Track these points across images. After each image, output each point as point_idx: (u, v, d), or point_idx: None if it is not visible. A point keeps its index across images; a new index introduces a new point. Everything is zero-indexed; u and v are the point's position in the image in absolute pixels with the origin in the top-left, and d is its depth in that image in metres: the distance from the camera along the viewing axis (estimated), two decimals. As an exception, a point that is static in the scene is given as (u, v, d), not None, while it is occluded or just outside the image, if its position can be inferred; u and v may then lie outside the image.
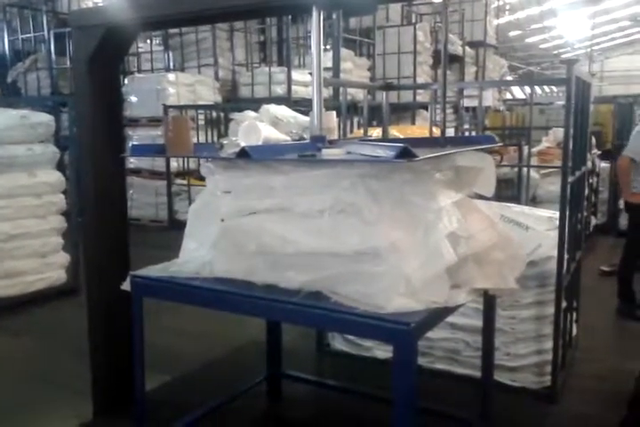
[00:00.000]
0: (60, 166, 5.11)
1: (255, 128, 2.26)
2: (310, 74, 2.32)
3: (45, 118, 4.91)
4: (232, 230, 2.13)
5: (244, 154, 1.96)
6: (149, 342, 2.34)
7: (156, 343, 2.39)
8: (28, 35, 10.11)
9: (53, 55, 9.26)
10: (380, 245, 1.86)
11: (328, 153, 2.07)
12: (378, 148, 1.90)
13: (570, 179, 3.02)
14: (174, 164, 8.00)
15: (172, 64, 10.22)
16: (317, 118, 2.28)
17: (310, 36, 2.37)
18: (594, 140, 6.69)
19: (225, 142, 2.48)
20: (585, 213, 5.70)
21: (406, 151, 1.72)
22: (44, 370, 3.51)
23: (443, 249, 1.89)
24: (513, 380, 3.13)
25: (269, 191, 2.06)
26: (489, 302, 2.51)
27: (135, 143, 7.32)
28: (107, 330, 2.88)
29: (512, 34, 23.37)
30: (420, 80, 10.33)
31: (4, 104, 5.38)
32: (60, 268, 5.07)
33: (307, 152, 2.09)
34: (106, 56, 2.61)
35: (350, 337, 3.54)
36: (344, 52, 9.66)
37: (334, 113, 2.58)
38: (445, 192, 2.05)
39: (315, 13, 2.23)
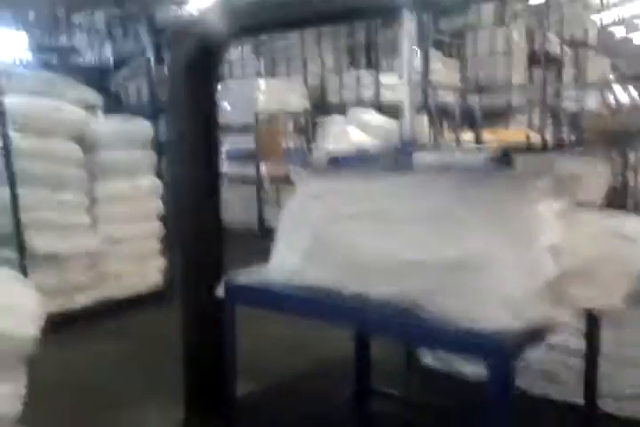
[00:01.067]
0: (158, 172, 5.29)
1: (345, 133, 2.23)
2: (400, 77, 2.27)
3: (144, 125, 5.12)
4: (323, 238, 2.11)
5: (334, 162, 1.93)
6: (239, 348, 2.35)
7: (246, 350, 2.40)
8: (129, 45, 10.61)
9: (152, 64, 9.66)
10: (476, 256, 1.78)
11: (421, 159, 2.01)
12: (474, 154, 1.83)
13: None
14: (264, 169, 8.12)
15: (262, 70, 10.43)
16: (409, 123, 2.23)
17: (399, 40, 2.33)
18: None
19: (314, 147, 2.48)
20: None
21: (505, 157, 1.64)
22: (140, 372, 3.61)
23: (543, 262, 1.78)
24: (619, 409, 2.90)
25: (360, 198, 2.03)
26: (592, 322, 2.35)
27: (229, 149, 7.47)
28: (199, 335, 2.93)
29: (617, 32, 22.17)
30: (514, 81, 9.98)
31: (107, 112, 5.64)
32: (158, 272, 5.20)
33: (398, 158, 2.04)
34: (202, 63, 2.67)
35: (441, 354, 3.43)
36: (433, 52, 9.51)
37: (424, 117, 2.52)
38: (547, 201, 1.94)
39: (405, 14, 2.18)
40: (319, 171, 2.18)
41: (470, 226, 1.82)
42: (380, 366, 3.26)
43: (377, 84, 9.14)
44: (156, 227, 5.18)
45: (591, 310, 2.14)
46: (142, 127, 5.08)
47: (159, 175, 5.27)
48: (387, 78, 9.23)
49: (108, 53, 10.85)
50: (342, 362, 3.24)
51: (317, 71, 10.19)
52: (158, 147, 5.34)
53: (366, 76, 9.37)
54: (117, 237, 4.87)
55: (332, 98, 9.82)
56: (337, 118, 7.58)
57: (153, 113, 5.69)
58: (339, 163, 1.93)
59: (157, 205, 5.16)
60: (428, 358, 3.54)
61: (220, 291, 2.30)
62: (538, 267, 1.78)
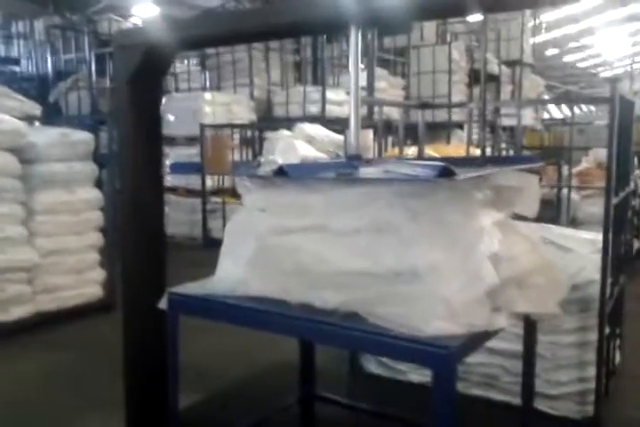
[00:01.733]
0: (98, 183, 5.20)
1: (292, 146, 2.26)
2: (347, 93, 2.32)
3: (85, 136, 5.01)
4: (268, 249, 2.12)
5: (281, 172, 1.95)
6: (182, 359, 2.33)
7: (189, 361, 2.38)
8: (70, 55, 10.40)
9: (94, 75, 9.51)
10: (419, 265, 1.82)
11: (366, 172, 2.05)
12: (416, 166, 1.88)
13: (614, 200, 2.94)
14: (209, 182, 8.07)
15: (208, 84, 10.40)
16: (354, 137, 2.27)
17: (345, 56, 2.37)
18: (636, 160, 6.53)
19: (262, 160, 2.49)
20: (628, 237, 5.54)
21: (447, 170, 1.69)
22: (78, 385, 3.53)
23: (484, 271, 1.84)
24: (553, 408, 3.02)
25: (306, 210, 2.04)
26: (530, 326, 2.43)
27: (173, 162, 7.41)
28: (141, 347, 2.88)
29: (549, 53, 23.18)
30: (455, 99, 10.29)
31: (45, 123, 5.51)
32: (97, 284, 5.12)
33: (344, 171, 2.07)
34: (146, 75, 2.65)
35: (384, 360, 3.48)
36: (379, 71, 9.71)
37: (370, 132, 2.57)
38: (486, 212, 2.01)
39: (352, 31, 2.23)
40: (266, 183, 2.19)
41: (413, 236, 1.86)
42: (325, 373, 3.27)
43: (323, 99, 9.25)
44: (97, 238, 5.09)
45: (528, 316, 2.21)
46: (83, 139, 4.97)
47: (100, 187, 5.17)
48: (333, 94, 9.36)
49: (48, 64, 10.61)
50: (287, 369, 3.24)
51: (264, 86, 10.24)
52: (99, 158, 5.24)
53: (313, 91, 9.48)
54: (55, 249, 4.76)
55: (279, 112, 9.88)
56: (284, 133, 7.63)
57: (94, 124, 5.58)
58: (285, 174, 1.93)
59: (97, 217, 5.06)
60: (372, 365, 3.58)
61: (163, 302, 2.27)
62: (479, 275, 1.83)
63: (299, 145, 2.29)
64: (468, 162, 2.54)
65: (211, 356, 3.94)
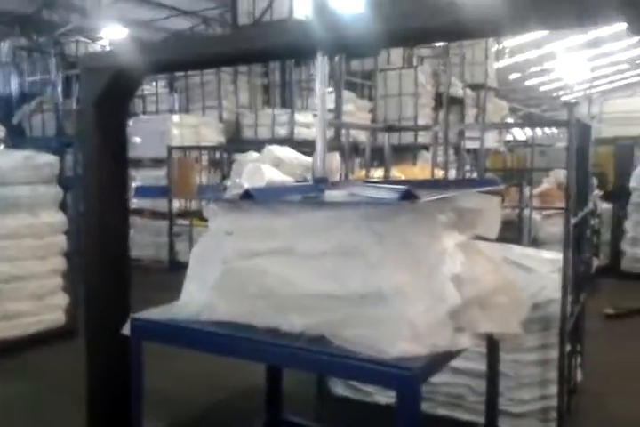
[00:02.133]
0: (63, 207, 5.13)
1: (259, 170, 2.28)
2: (314, 115, 2.36)
3: (49, 159, 4.95)
4: (234, 272, 2.12)
5: (247, 196, 1.96)
6: (148, 385, 2.30)
7: (154, 387, 2.35)
8: (35, 77, 10.32)
9: (60, 97, 9.44)
10: (384, 287, 1.85)
11: (331, 195, 2.09)
12: (381, 190, 1.92)
13: (572, 220, 3.03)
14: (176, 204, 8.03)
15: (176, 106, 10.40)
16: (320, 160, 2.30)
17: (313, 79, 2.42)
18: (595, 181, 6.73)
19: (228, 184, 2.50)
20: (587, 255, 5.68)
21: (410, 193, 1.73)
22: (40, 414, 3.44)
23: (447, 292, 1.87)
24: (517, 426, 3.05)
25: (272, 233, 2.06)
26: (492, 346, 2.47)
27: (140, 184, 7.36)
28: (105, 373, 2.83)
29: (512, 77, 23.79)
30: (421, 122, 10.47)
31: (9, 145, 5.45)
32: (59, 309, 5.01)
33: (310, 194, 2.10)
34: (113, 98, 2.66)
35: (351, 382, 3.48)
36: (346, 94, 9.84)
37: (337, 154, 2.61)
38: (449, 234, 2.05)
39: (319, 57, 2.28)
40: (232, 206, 2.20)
41: (378, 259, 1.89)
42: (293, 396, 3.26)
43: (292, 121, 9.33)
44: (60, 263, 4.99)
45: (491, 336, 2.24)
46: (47, 161, 4.91)
47: (64, 210, 5.11)
48: (302, 116, 9.44)
49: (13, 85, 10.49)
50: (254, 393, 3.22)
51: (233, 108, 10.28)
52: (64, 181, 5.19)
53: (281, 113, 9.55)
54: (17, 274, 4.66)
55: (248, 134, 9.92)
56: (252, 155, 7.65)
57: (59, 147, 5.54)
58: (251, 197, 1.94)
59: (61, 241, 4.98)
60: (340, 387, 3.57)
61: (126, 329, 2.25)
62: (442, 296, 1.87)
63: (265, 169, 2.31)
64: (431, 184, 2.59)
65: (177, 381, 3.89)
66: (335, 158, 2.59)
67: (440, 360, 1.89)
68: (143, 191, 2.94)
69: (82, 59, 3.00)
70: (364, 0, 8.61)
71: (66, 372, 3.84)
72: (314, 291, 1.94)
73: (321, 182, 2.26)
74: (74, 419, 3.00)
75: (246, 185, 2.21)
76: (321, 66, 2.29)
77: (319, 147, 2.31)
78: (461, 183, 2.60)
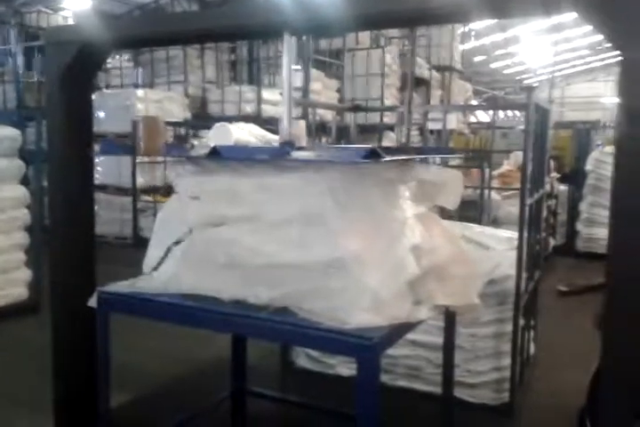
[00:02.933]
0: (25, 181, 5.06)
1: (226, 130, 2.27)
2: (281, 93, 2.38)
3: (11, 132, 4.87)
4: (200, 242, 2.15)
5: (214, 153, 1.98)
6: (115, 359, 2.33)
7: (119, 361, 2.38)
8: (-5, 47, 10.01)
9: (21, 69, 9.19)
10: (345, 256, 1.89)
11: (298, 155, 2.11)
12: (346, 151, 1.96)
13: (528, 201, 3.14)
14: (140, 180, 7.97)
15: (141, 80, 10.22)
16: (287, 124, 2.31)
17: (280, 56, 2.43)
18: (553, 164, 6.92)
19: (196, 143, 2.50)
20: (544, 235, 5.87)
21: (374, 152, 1.78)
22: (4, 388, 3.44)
23: (406, 262, 1.94)
24: (472, 396, 3.20)
25: (238, 197, 2.08)
26: (449, 318, 2.57)
27: (104, 140, 7.14)
28: (71, 347, 2.85)
29: (477, 59, 23.97)
30: (387, 102, 10.52)
31: (-32, 117, 5.33)
32: (22, 284, 4.99)
33: (276, 152, 2.11)
34: (79, 72, 2.64)
35: (314, 355, 3.58)
36: (314, 72, 9.81)
37: (303, 122, 2.63)
38: (410, 204, 2.11)
39: (286, 38, 2.30)
40: (198, 169, 2.19)
41: (340, 227, 1.93)
42: (257, 369, 3.34)
43: (259, 98, 9.28)
44: (22, 237, 4.95)
45: (448, 308, 2.33)
46: (8, 135, 4.82)
47: (26, 184, 5.04)
48: (269, 94, 9.39)
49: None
50: (221, 366, 3.29)
51: (199, 83, 10.16)
52: (26, 155, 5.11)
53: (248, 90, 9.49)
54: (-22, 249, 4.60)
55: (214, 110, 9.84)
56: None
57: (20, 120, 5.43)
58: (218, 154, 1.94)
59: (23, 215, 4.92)
60: (303, 359, 3.67)
61: (93, 301, 2.28)
62: (401, 266, 1.93)
63: (233, 129, 2.30)
64: (395, 151, 2.62)
65: (142, 354, 3.93)
66: (301, 125, 2.60)
67: (399, 331, 1.97)
68: (107, 147, 2.86)
69: (47, 32, 2.96)
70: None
71: (29, 345, 3.85)
72: (279, 259, 1.98)
73: (287, 145, 2.26)
74: (38, 392, 3.02)
75: (213, 144, 2.21)
76: (287, 44, 2.31)
77: (285, 112, 2.32)
78: (422, 150, 2.66)
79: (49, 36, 2.69)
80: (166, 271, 2.26)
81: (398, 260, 1.94)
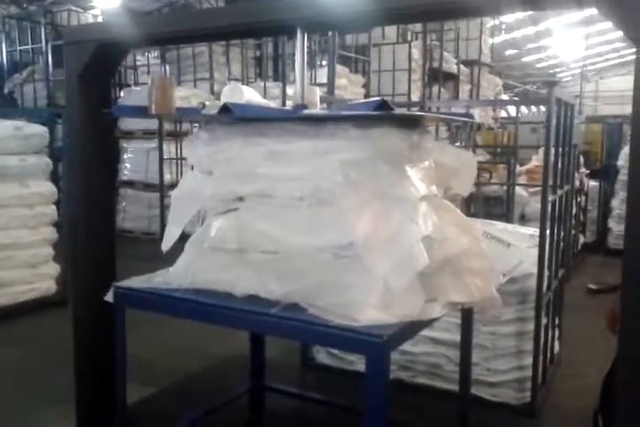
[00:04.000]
0: (54, 177, 5.15)
1: (238, 89, 2.23)
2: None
3: (39, 130, 4.96)
4: (212, 229, 2.15)
5: (226, 110, 1.95)
6: (134, 354, 2.37)
7: (140, 356, 2.42)
8: (26, 46, 10.19)
9: (51, 67, 9.34)
10: (356, 241, 1.86)
11: (309, 112, 2.08)
12: (357, 105, 1.91)
13: (550, 197, 3.08)
14: (167, 176, 8.04)
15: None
16: (300, 89, 2.29)
17: (307, 53, 2.40)
18: (582, 159, 6.77)
19: (207, 104, 2.49)
20: (573, 232, 5.75)
21: (385, 105, 1.74)
22: (30, 380, 3.52)
23: (417, 251, 1.87)
24: (493, 395, 3.16)
25: (249, 168, 2.08)
26: (466, 316, 2.54)
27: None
28: (90, 341, 2.89)
29: (508, 53, 23.62)
30: (414, 97, 10.44)
31: (0, 115, 5.43)
32: (50, 278, 5.09)
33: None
34: (97, 71, 2.66)
35: (334, 351, 3.57)
36: (339, 68, 9.77)
37: (317, 88, 2.61)
38: (423, 186, 2.03)
39: (299, 34, 2.29)
40: (211, 136, 2.18)
41: (350, 209, 1.89)
42: (277, 365, 3.35)
43: (284, 95, 9.27)
44: (50, 232, 5.05)
45: (465, 305, 2.28)
46: (37, 132, 4.92)
47: (55, 181, 5.13)
48: (293, 90, 9.38)
49: (4, 54, 10.36)
50: (240, 361, 3.30)
51: (224, 80, 10.21)
52: (55, 152, 5.20)
53: (273, 86, 9.50)
54: (8, 243, 4.72)
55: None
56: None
57: (50, 117, 5.52)
58: (230, 112, 1.91)
59: (51, 211, 5.02)
60: (322, 355, 3.66)
61: (109, 296, 2.31)
62: (412, 257, 1.86)
63: (245, 89, 2.26)
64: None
65: (162, 349, 3.97)
66: (316, 92, 2.56)
67: (411, 329, 1.95)
68: (122, 109, 2.85)
69: (65, 32, 2.99)
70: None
71: (55, 339, 3.90)
72: (290, 245, 1.98)
73: (300, 108, 2.23)
74: (61, 385, 3.08)
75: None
76: (300, 42, 2.29)
77: (298, 77, 2.30)
78: (438, 114, 2.61)
79: (67, 35, 2.72)
80: (181, 265, 2.27)
81: (409, 249, 1.87)
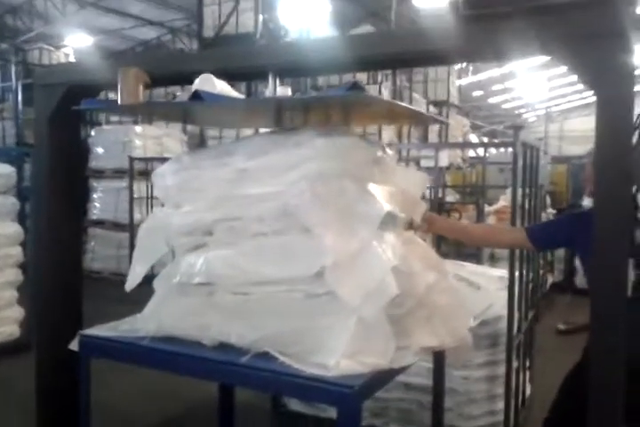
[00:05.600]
0: (21, 217, 5.06)
1: (210, 79, 2.21)
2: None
3: (7, 170, 4.90)
4: (180, 269, 2.10)
5: (196, 97, 1.91)
6: (100, 402, 2.28)
7: (106, 404, 2.34)
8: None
9: (20, 105, 9.30)
10: (326, 271, 1.83)
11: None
12: (330, 90, 1.89)
13: (519, 239, 3.11)
14: (137, 215, 7.95)
15: (140, 116, 10.32)
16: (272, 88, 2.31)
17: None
18: (549, 199, 6.92)
19: (178, 93, 2.47)
20: (541, 272, 5.82)
21: (356, 84, 1.74)
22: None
23: (387, 282, 1.83)
24: (467, 440, 3.11)
25: (219, 194, 2.06)
26: (438, 360, 2.52)
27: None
28: (54, 389, 2.80)
29: (475, 94, 24.29)
30: (384, 136, 10.59)
31: (-35, 154, 5.37)
32: (14, 322, 4.94)
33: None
34: (67, 113, 2.64)
35: (305, 397, 3.49)
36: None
37: (289, 89, 2.63)
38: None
39: (271, 79, 2.33)
40: (176, 161, 2.18)
41: (319, 231, 1.87)
42: (246, 411, 3.25)
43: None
44: (15, 275, 4.93)
45: (436, 349, 2.25)
46: (3, 172, 4.85)
47: (22, 221, 5.04)
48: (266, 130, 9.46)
49: (-28, 92, 10.31)
50: (210, 408, 3.21)
51: (197, 119, 10.27)
52: (23, 192, 5.12)
53: (246, 130, 9.58)
54: (-31, 286, 4.58)
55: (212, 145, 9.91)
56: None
57: (18, 156, 5.47)
58: (201, 98, 1.88)
59: (17, 253, 4.91)
60: (294, 402, 3.58)
61: (75, 345, 2.23)
62: (382, 289, 1.82)
63: (217, 82, 2.22)
64: None
65: (130, 397, 3.85)
66: (287, 92, 2.57)
67: (383, 377, 1.92)
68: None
69: (36, 74, 2.99)
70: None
71: (16, 386, 3.78)
72: (260, 281, 1.94)
73: None
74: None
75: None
76: (271, 85, 2.33)
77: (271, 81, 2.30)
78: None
79: (37, 78, 2.72)
80: (149, 311, 2.22)
81: (379, 281, 1.82)
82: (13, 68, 9.64)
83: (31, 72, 10.03)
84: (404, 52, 2.06)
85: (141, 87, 2.22)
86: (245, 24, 9.20)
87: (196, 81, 2.18)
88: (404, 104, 2.15)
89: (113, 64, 2.80)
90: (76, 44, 14.00)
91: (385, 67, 2.73)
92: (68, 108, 2.65)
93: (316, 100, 1.92)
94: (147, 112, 2.56)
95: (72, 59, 11.88)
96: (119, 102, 2.22)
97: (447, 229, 2.62)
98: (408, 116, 2.38)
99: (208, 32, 9.83)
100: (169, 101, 2.29)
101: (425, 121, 2.88)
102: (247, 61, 2.32)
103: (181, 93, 2.44)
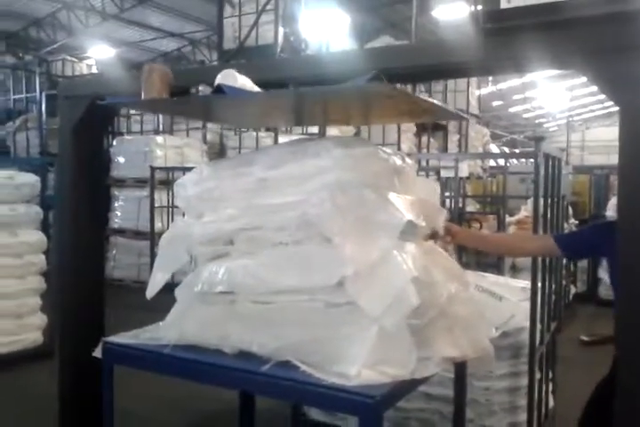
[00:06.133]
0: (45, 226, 5.13)
1: (232, 74, 2.22)
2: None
3: (31, 179, 4.98)
4: (202, 278, 2.11)
5: (219, 91, 1.93)
6: (122, 408, 2.29)
7: (128, 410, 2.35)
8: (21, 95, 10.34)
9: (44, 116, 9.45)
10: (347, 282, 1.83)
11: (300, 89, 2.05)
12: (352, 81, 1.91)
13: (541, 249, 3.08)
14: (159, 224, 8.02)
15: (161, 126, 10.44)
16: None
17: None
18: (571, 210, 6.85)
19: (201, 88, 2.47)
20: (564, 283, 5.75)
21: (378, 75, 1.73)
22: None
23: (408, 292, 1.83)
24: (489, 453, 3.07)
25: (239, 204, 2.09)
26: (460, 371, 2.50)
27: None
28: (77, 396, 2.82)
29: (495, 104, 24.21)
30: (403, 147, 10.58)
31: (-9, 164, 5.47)
32: (37, 329, 4.99)
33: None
34: (90, 125, 2.70)
35: (325, 406, 3.47)
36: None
37: None
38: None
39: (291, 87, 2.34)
40: (197, 171, 2.21)
41: (339, 242, 1.87)
42: (268, 420, 3.24)
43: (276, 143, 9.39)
44: (38, 282, 4.99)
45: (458, 360, 2.23)
46: (28, 181, 4.93)
47: (45, 229, 5.11)
48: (286, 139, 9.50)
49: (-1, 103, 10.52)
50: (230, 415, 3.20)
51: (217, 129, 10.34)
52: (46, 200, 5.20)
53: (265, 136, 9.63)
54: (-7, 293, 4.64)
55: (232, 156, 9.97)
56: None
57: (42, 166, 5.55)
58: (223, 92, 1.88)
59: (40, 261, 4.97)
60: (315, 411, 3.56)
61: (98, 352, 2.25)
62: (403, 300, 1.81)
63: (239, 76, 2.22)
64: None
65: (152, 404, 3.87)
66: None
67: (405, 387, 1.91)
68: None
69: (60, 86, 3.04)
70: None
71: (40, 393, 3.81)
72: (281, 291, 1.95)
73: None
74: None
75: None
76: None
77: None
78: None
79: (62, 90, 2.77)
80: (171, 320, 2.23)
81: (400, 291, 1.81)
82: (37, 79, 9.82)
83: (55, 83, 10.21)
84: (424, 66, 2.07)
85: (165, 84, 2.23)
86: (265, 36, 9.27)
87: (219, 75, 2.19)
88: (424, 97, 2.14)
89: (135, 76, 2.85)
90: (98, 55, 14.24)
91: (404, 80, 2.73)
92: (92, 119, 2.71)
93: (335, 90, 1.91)
94: (169, 108, 2.58)
95: (94, 70, 12.07)
96: (142, 97, 2.24)
97: (470, 238, 2.60)
98: (429, 112, 2.35)
99: (228, 44, 9.91)
100: (192, 94, 2.30)
101: (446, 116, 2.88)
102: (269, 74, 2.34)
103: (204, 88, 2.44)
